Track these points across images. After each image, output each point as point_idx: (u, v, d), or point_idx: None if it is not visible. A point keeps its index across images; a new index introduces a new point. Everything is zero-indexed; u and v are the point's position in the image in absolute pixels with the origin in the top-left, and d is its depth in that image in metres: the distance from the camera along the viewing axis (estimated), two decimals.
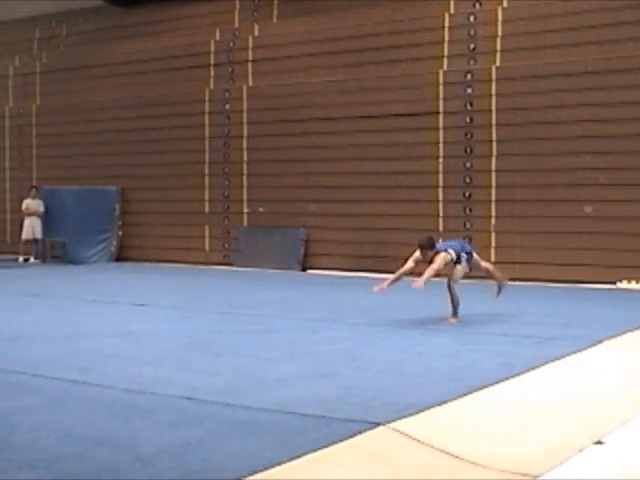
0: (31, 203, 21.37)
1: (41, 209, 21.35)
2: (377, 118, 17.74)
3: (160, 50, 21.08)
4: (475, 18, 17.01)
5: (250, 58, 19.62)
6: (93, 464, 4.76)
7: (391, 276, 10.56)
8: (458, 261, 10.54)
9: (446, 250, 10.48)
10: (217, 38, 20.22)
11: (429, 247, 10.42)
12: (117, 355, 8.21)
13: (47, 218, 21.42)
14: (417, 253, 10.49)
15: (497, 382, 6.96)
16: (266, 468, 4.66)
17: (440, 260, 10.34)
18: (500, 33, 16.78)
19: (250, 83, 19.51)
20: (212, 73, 20.11)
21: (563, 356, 8.19)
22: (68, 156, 22.18)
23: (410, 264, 10.49)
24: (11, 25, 25.35)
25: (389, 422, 5.56)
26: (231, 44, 19.89)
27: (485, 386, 6.78)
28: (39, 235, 21.26)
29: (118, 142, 21.22)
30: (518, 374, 7.31)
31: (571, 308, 12.36)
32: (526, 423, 5.75)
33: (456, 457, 4.97)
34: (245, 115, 19.31)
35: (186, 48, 20.53)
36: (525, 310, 11.80)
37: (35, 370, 7.40)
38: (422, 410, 5.95)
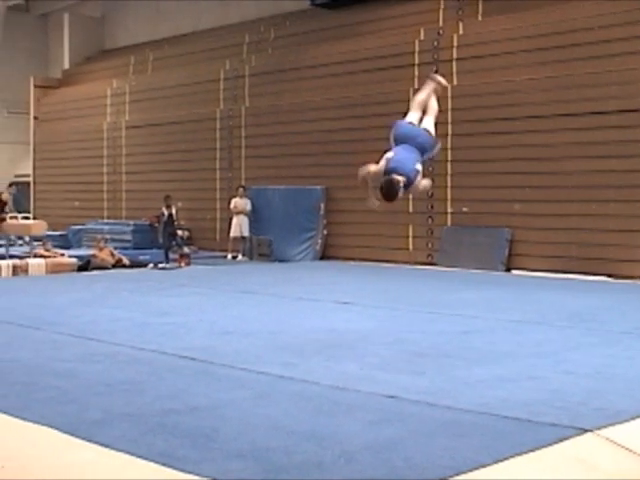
0: (239, 202, 22.07)
1: (248, 208, 22.00)
2: (586, 115, 17.19)
3: (365, 51, 21.27)
4: None
5: (455, 57, 19.48)
6: (299, 457, 4.87)
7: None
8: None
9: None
10: (421, 38, 20.19)
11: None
12: (321, 352, 8.34)
13: (254, 217, 22.07)
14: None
15: None
16: (470, 469, 4.63)
17: None
18: None
19: (455, 82, 19.36)
20: (416, 73, 20.06)
21: None
22: (275, 156, 22.75)
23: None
24: (222, 31, 26.38)
25: (597, 429, 5.39)
26: (435, 43, 19.81)
27: None
28: (246, 233, 21.92)
29: (323, 142, 21.56)
30: None
31: None
32: None
33: None
34: (449, 114, 19.15)
35: (390, 48, 20.62)
36: None
37: (243, 364, 7.64)
38: (633, 418, 5.74)
